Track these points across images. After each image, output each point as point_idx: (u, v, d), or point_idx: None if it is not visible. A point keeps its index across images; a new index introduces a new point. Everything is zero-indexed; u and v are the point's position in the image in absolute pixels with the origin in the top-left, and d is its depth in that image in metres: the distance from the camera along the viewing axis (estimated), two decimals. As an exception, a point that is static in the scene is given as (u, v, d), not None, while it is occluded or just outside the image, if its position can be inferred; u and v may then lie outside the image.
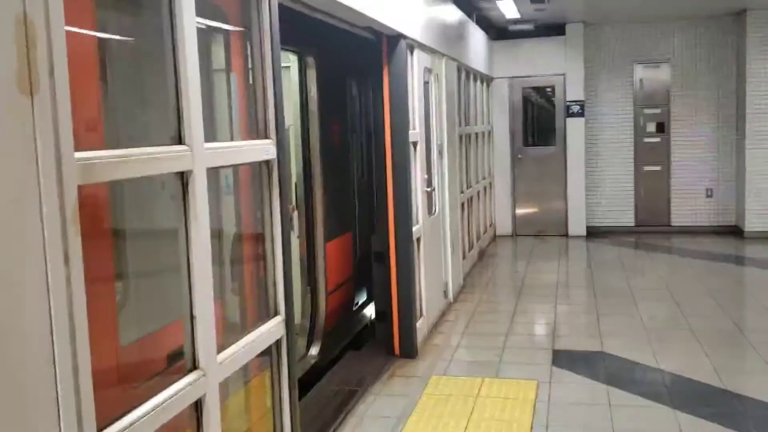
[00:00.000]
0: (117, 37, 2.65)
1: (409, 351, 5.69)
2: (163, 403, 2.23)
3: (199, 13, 2.49)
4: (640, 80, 11.18)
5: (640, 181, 11.32)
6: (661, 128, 11.18)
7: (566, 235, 11.26)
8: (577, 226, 11.23)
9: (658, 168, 11.22)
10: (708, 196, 11.12)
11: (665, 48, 11.05)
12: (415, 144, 5.91)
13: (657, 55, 11.09)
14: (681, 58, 11.01)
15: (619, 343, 5.90)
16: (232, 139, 3.27)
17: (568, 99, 11.05)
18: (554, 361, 5.53)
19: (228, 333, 3.10)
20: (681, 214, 11.23)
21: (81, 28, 2.19)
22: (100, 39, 2.44)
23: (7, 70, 1.51)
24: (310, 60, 5.27)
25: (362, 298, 6.64)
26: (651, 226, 11.29)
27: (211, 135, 2.85)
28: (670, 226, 11.26)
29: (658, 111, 11.18)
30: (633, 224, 11.39)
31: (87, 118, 2.26)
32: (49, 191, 1.64)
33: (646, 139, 11.25)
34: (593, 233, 11.28)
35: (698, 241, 10.50)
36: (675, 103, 11.09)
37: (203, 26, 2.89)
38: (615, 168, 11.38)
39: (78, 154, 1.77)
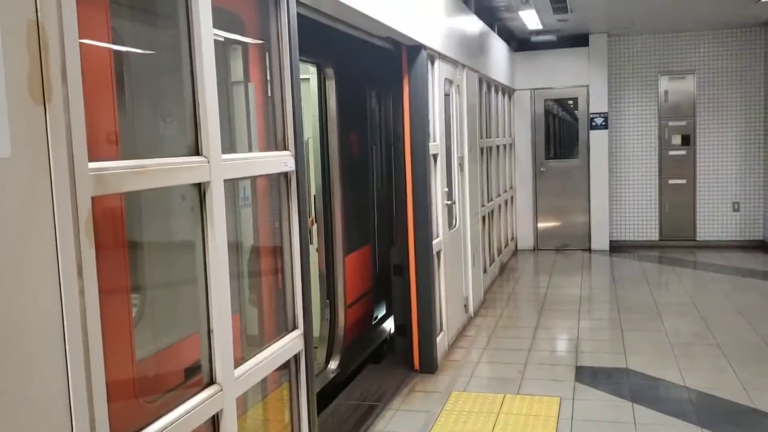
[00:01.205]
0: (134, 50, 2.63)
1: (430, 366, 5.62)
2: (179, 418, 2.20)
3: (218, 24, 2.47)
4: (665, 92, 11.04)
5: (665, 194, 11.16)
6: (687, 141, 11.02)
7: (589, 250, 11.12)
8: (600, 240, 11.08)
9: (683, 181, 11.06)
10: (735, 210, 10.93)
11: (691, 59, 10.91)
12: (435, 156, 5.86)
13: (682, 66, 10.95)
14: (707, 70, 10.86)
15: (643, 360, 5.78)
16: (250, 151, 3.24)
17: (591, 111, 10.95)
18: (577, 378, 5.42)
19: (246, 347, 3.07)
20: (707, 229, 11.05)
21: (96, 38, 2.18)
22: (115, 50, 2.42)
23: (19, 79, 1.49)
24: (330, 71, 5.26)
25: (381, 311, 6.58)
26: (676, 241, 11.11)
27: (229, 146, 2.83)
28: (696, 240, 11.07)
29: (683, 123, 11.03)
30: (657, 238, 11.22)
31: (102, 128, 2.24)
32: (62, 202, 1.62)
33: (671, 152, 11.10)
34: (617, 247, 11.13)
35: (725, 256, 10.30)
36: (701, 115, 10.93)
37: (221, 38, 2.88)
38: (639, 181, 11.23)
39: (92, 165, 1.75)
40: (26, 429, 1.55)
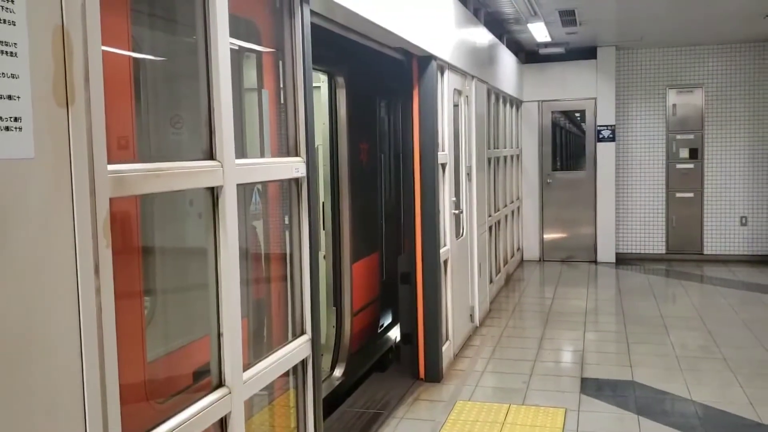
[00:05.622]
0: (152, 57, 2.68)
1: (435, 375, 5.62)
2: (188, 419, 2.22)
3: (234, 32, 2.51)
4: (673, 105, 11.06)
5: (672, 207, 11.15)
6: (695, 154, 11.03)
7: (595, 262, 11.11)
8: (606, 252, 11.08)
9: (690, 195, 11.06)
10: (742, 224, 10.91)
11: (699, 73, 10.93)
12: (443, 166, 5.89)
13: (691, 80, 10.97)
14: (715, 84, 10.88)
15: (649, 373, 5.77)
16: (262, 156, 3.28)
17: (598, 123, 10.97)
18: (583, 389, 5.42)
19: (253, 351, 3.09)
20: (714, 243, 11.03)
21: (116, 44, 2.22)
22: (134, 56, 2.46)
23: (44, 82, 1.53)
24: (340, 80, 5.30)
25: (387, 320, 6.59)
26: (683, 254, 11.10)
27: (242, 152, 2.86)
28: (703, 254, 11.05)
29: (691, 137, 11.04)
30: (664, 252, 11.20)
31: (120, 132, 2.28)
32: (81, 202, 1.65)
33: (679, 165, 11.10)
34: (623, 260, 11.12)
35: (732, 271, 10.28)
36: (709, 129, 10.94)
37: (236, 46, 2.92)
38: (646, 194, 11.23)
39: (111, 167, 1.78)
40: (41, 426, 1.57)
